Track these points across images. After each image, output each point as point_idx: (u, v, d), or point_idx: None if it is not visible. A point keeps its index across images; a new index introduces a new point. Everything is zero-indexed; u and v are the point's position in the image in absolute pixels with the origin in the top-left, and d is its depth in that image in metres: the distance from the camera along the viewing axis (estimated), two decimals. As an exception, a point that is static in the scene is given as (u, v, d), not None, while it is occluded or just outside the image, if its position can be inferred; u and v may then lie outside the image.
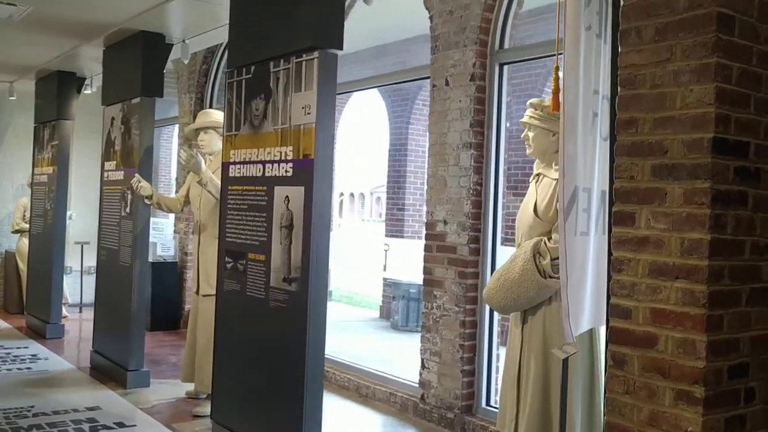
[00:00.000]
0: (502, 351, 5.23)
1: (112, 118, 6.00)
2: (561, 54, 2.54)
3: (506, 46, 4.70)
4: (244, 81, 4.15)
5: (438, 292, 4.85)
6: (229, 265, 4.20)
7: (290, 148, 3.75)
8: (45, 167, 7.70)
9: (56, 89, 7.40)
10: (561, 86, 2.45)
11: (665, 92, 2.24)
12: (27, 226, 8.55)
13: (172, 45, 5.77)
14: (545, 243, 3.22)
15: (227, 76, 4.31)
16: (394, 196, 9.90)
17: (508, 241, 5.25)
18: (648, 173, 2.28)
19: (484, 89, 4.70)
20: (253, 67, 4.08)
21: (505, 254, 4.74)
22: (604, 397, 2.40)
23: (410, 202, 9.80)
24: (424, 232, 5.02)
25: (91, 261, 9.45)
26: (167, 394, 5.38)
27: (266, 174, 3.92)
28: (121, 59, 5.88)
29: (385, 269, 6.26)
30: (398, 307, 9.01)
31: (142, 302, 5.53)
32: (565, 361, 2.92)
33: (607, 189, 2.76)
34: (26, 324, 7.96)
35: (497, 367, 4.75)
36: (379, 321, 9.72)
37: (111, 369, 5.72)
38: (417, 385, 5.03)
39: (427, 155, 5.00)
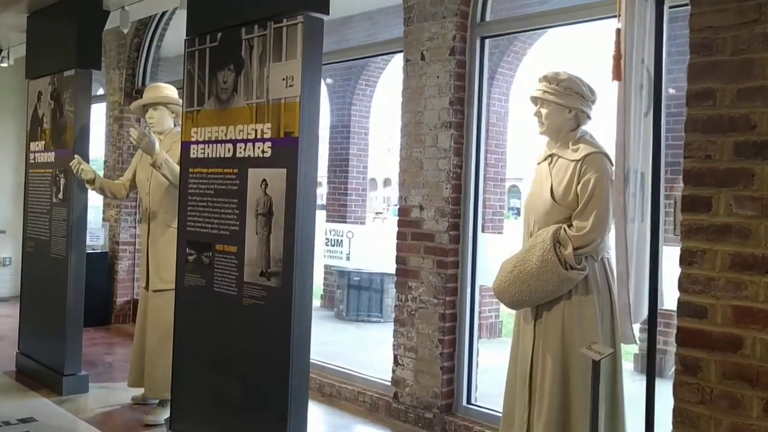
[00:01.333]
0: (483, 345, 4.99)
1: (39, 93, 5.35)
2: (615, 17, 2.22)
3: (488, 18, 4.38)
4: (208, 50, 3.67)
5: (413, 283, 4.50)
6: (191, 258, 3.73)
7: (268, 125, 3.31)
8: (-44, 148, 6.92)
9: (-33, 62, 6.64)
10: (621, 52, 2.12)
11: (752, 58, 1.95)
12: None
13: (109, 12, 5.17)
14: (565, 231, 2.92)
15: (186, 44, 3.81)
16: (336, 180, 9.49)
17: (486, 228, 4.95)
18: (729, 152, 1.99)
19: (465, 64, 4.37)
20: (219, 34, 3.60)
21: (486, 242, 4.46)
22: (673, 406, 2.12)
23: (353, 186, 9.42)
24: (397, 218, 4.66)
25: (5, 252, 8.69)
26: (109, 400, 4.85)
27: (237, 155, 3.47)
28: (49, 27, 5.24)
29: (348, 258, 5.85)
30: (343, 296, 8.64)
31: (78, 298, 4.95)
32: (597, 363, 2.63)
33: (648, 171, 2.47)
34: (-67, 322, 7.18)
35: (477, 363, 4.46)
36: (322, 310, 9.31)
37: (42, 373, 5.12)
38: (389, 383, 4.68)
39: (400, 135, 4.63)
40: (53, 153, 5.13)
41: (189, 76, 3.78)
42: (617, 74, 2.10)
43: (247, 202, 3.40)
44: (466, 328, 4.39)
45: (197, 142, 3.71)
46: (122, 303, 7.45)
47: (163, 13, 7.22)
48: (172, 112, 4.50)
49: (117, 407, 4.72)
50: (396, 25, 4.70)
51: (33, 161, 5.43)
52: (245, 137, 3.43)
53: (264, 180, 3.31)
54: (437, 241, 4.39)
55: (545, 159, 3.14)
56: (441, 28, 4.38)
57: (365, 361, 5.48)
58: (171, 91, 4.52)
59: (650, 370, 2.50)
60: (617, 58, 2.09)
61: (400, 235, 4.60)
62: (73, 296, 4.89)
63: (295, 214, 3.17)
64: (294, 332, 3.18)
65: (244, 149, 3.43)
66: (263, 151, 3.33)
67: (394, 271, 4.64)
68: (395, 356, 4.62)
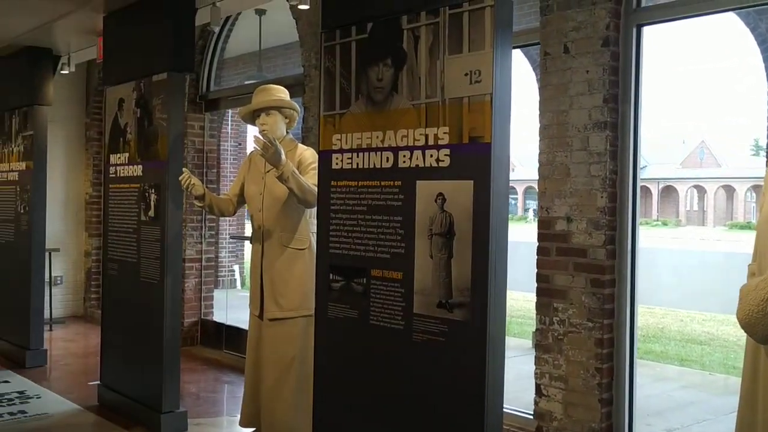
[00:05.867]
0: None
1: (121, 101, 4.87)
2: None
3: (644, 3, 3.87)
4: (354, 43, 3.16)
5: (560, 304, 3.99)
6: (336, 285, 3.22)
7: (444, 129, 2.80)
8: (14, 163, 6.44)
9: (28, 69, 6.16)
10: None
11: None
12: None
13: (197, 10, 4.68)
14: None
15: (323, 38, 3.31)
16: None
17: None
18: None
19: (618, 56, 3.86)
20: (370, 24, 3.10)
21: (643, 256, 3.95)
22: None
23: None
24: (536, 231, 4.15)
25: (57, 270, 8.23)
26: (215, 441, 4.37)
27: (400, 164, 2.96)
28: (133, 28, 4.75)
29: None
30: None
31: (175, 327, 4.45)
32: None
33: None
34: (-7, 350, 6.69)
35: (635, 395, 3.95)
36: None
37: (134, 409, 4.63)
38: (531, 416, 4.17)
39: (538, 139, 4.12)
40: (141, 166, 4.64)
41: (327, 75, 3.28)
42: None
43: (415, 219, 2.89)
44: (626, 354, 3.87)
45: (341, 151, 3.20)
46: (189, 324, 6.96)
47: (229, 13, 6.74)
48: (286, 117, 4.00)
49: (226, 449, 4.23)
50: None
51: (114, 175, 4.93)
52: (411, 144, 2.92)
53: (441, 194, 2.80)
54: (590, 257, 3.88)
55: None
56: (590, 16, 3.87)
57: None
58: (284, 94, 4.03)
59: None
60: None
61: (542, 251, 4.09)
62: (170, 325, 4.40)
63: (488, 234, 2.66)
64: (488, 378, 2.66)
65: (410, 158, 2.92)
66: (438, 160, 2.82)
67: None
68: (538, 386, 4.10)
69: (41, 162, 6.19)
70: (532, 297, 4.23)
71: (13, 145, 6.47)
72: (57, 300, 8.27)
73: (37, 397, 5.18)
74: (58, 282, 8.39)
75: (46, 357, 6.24)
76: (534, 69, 7.52)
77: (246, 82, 7.18)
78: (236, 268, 11.67)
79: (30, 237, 6.15)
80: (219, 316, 7.14)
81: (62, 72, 6.46)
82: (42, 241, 6.22)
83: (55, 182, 7.88)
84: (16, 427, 4.51)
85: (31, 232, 6.14)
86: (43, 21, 5.31)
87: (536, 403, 4.12)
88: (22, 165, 6.30)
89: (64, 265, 8.42)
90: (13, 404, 5.00)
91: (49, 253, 7.70)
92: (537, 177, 4.20)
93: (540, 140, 4.11)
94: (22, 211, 6.28)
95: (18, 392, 5.30)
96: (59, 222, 8.27)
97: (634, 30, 3.85)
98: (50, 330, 7.62)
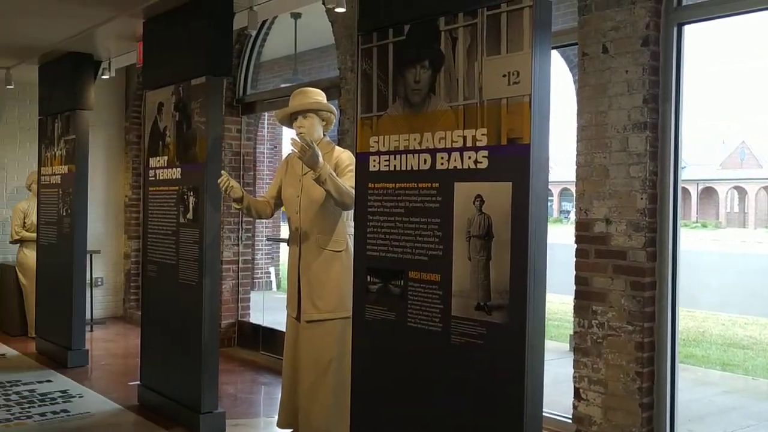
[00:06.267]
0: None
1: (160, 104, 4.93)
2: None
3: (685, 2, 3.81)
4: (391, 45, 3.16)
5: (599, 307, 3.94)
6: (373, 288, 3.23)
7: (482, 130, 2.79)
8: (57, 166, 6.57)
9: (70, 74, 6.27)
10: None
11: None
12: (29, 234, 7.40)
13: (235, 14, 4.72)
14: None
15: (360, 40, 3.32)
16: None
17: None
18: None
19: (658, 56, 3.80)
20: (407, 26, 3.10)
21: (683, 258, 3.88)
22: None
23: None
24: (574, 233, 4.11)
25: (98, 272, 8.37)
26: (253, 441, 4.40)
27: (437, 166, 2.95)
28: (172, 33, 4.82)
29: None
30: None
31: (213, 328, 4.50)
32: None
33: None
34: (36, 349, 6.82)
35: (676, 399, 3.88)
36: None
37: (173, 410, 4.68)
38: (569, 420, 4.13)
39: (576, 140, 4.08)
40: (179, 169, 4.70)
41: (364, 77, 3.29)
42: None
43: (453, 221, 2.89)
44: (667, 358, 3.81)
45: (379, 153, 3.21)
46: (227, 326, 7.02)
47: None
48: (323, 120, 4.02)
49: (264, 450, 4.26)
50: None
51: (153, 178, 5.00)
52: (448, 146, 2.91)
53: (479, 196, 2.79)
54: (630, 259, 3.83)
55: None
56: (630, 15, 3.82)
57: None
58: (321, 97, 4.04)
59: None
60: None
61: (581, 253, 4.05)
62: (208, 326, 4.44)
63: (527, 236, 2.64)
64: (528, 381, 2.64)
65: (448, 160, 2.92)
66: (476, 162, 2.81)
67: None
68: (577, 390, 4.06)
69: (83, 165, 6.30)
70: (568, 299, 4.19)
71: (55, 149, 6.60)
72: (97, 301, 8.41)
73: (80, 397, 5.27)
74: (99, 283, 8.53)
75: (88, 357, 6.35)
76: (570, 69, 7.46)
77: (282, 85, 7.23)
78: (272, 270, 11.76)
79: (72, 239, 6.27)
80: (255, 317, 7.20)
81: (103, 77, 6.58)
82: (83, 243, 6.33)
83: (96, 185, 8.01)
84: (59, 426, 4.59)
85: (73, 234, 6.26)
86: (85, 27, 5.41)
87: (575, 407, 4.07)
88: (65, 168, 6.43)
89: (104, 267, 8.56)
90: (56, 403, 5.09)
91: (90, 255, 7.82)
92: (573, 178, 4.17)
93: (578, 141, 4.07)
94: (64, 214, 6.40)
95: (61, 391, 5.40)
96: (99, 224, 8.41)
97: (675, 29, 3.80)
98: (91, 331, 7.74)
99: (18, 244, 7.58)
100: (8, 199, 8.06)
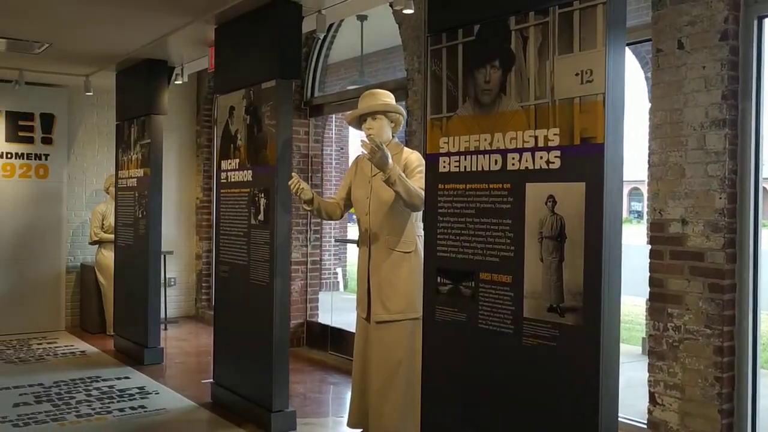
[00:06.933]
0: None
1: (231, 108, 5.04)
2: None
3: (766, -7, 3.68)
4: (460, 46, 3.15)
5: (675, 310, 3.84)
6: (444, 289, 3.22)
7: (555, 130, 2.75)
8: (133, 170, 6.78)
9: (145, 80, 6.47)
10: None
11: None
12: (107, 236, 7.67)
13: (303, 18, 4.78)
14: None
15: (429, 41, 3.32)
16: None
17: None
18: None
19: (738, 51, 3.68)
20: (477, 27, 3.08)
21: (764, 259, 3.74)
22: None
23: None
24: (648, 234, 4.02)
25: (171, 272, 8.60)
26: (324, 440, 4.45)
27: (508, 167, 2.93)
28: (243, 38, 4.91)
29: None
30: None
31: (284, 328, 4.56)
32: None
33: None
34: (114, 347, 7.06)
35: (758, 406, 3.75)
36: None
37: (245, 408, 4.78)
38: (644, 425, 4.03)
39: (649, 138, 3.98)
40: (250, 171, 4.79)
41: (433, 78, 3.28)
42: None
43: (525, 222, 2.86)
44: (748, 363, 3.68)
45: (449, 154, 3.20)
46: (296, 326, 7.11)
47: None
48: (392, 121, 4.04)
49: (334, 449, 4.30)
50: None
51: (225, 180, 5.11)
52: (520, 146, 2.88)
53: (551, 196, 2.76)
54: (709, 261, 3.71)
55: None
56: (707, 9, 3.71)
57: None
58: (390, 98, 4.06)
59: None
60: None
61: (655, 254, 3.95)
62: (279, 326, 4.52)
63: (601, 237, 2.59)
64: (603, 385, 2.59)
65: (519, 160, 2.89)
66: (548, 162, 2.77)
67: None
68: (652, 394, 3.96)
69: (157, 169, 6.48)
70: (639, 301, 4.10)
71: (132, 153, 6.82)
72: (170, 301, 8.65)
73: (156, 393, 5.43)
74: (172, 283, 8.77)
75: (163, 355, 6.53)
76: (642, 66, 7.29)
77: (348, 87, 7.28)
78: (339, 270, 11.86)
79: (147, 240, 6.46)
80: (324, 317, 7.28)
81: (176, 82, 6.75)
82: (158, 244, 6.51)
83: (168, 188, 8.23)
84: (137, 422, 4.74)
85: (148, 235, 6.45)
86: (160, 34, 5.56)
87: (650, 412, 3.97)
88: (140, 172, 6.63)
89: (176, 267, 8.79)
90: (134, 399, 5.25)
91: (164, 256, 8.06)
92: (643, 178, 4.06)
93: (651, 140, 3.97)
94: (140, 216, 6.60)
95: (138, 388, 5.57)
96: (172, 226, 8.64)
97: (756, 22, 3.67)
98: (165, 329, 7.95)
99: (96, 245, 7.86)
100: (87, 201, 8.36)
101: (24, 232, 7.82)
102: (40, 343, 7.26)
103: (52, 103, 7.90)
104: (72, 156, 8.22)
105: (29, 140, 7.81)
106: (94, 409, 4.98)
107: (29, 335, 7.64)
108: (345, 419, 4.27)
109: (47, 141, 7.90)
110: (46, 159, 7.90)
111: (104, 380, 5.78)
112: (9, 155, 7.73)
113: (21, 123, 7.76)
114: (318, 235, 7.41)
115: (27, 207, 7.82)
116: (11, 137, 7.73)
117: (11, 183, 7.75)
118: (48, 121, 7.89)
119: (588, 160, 2.64)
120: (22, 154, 7.78)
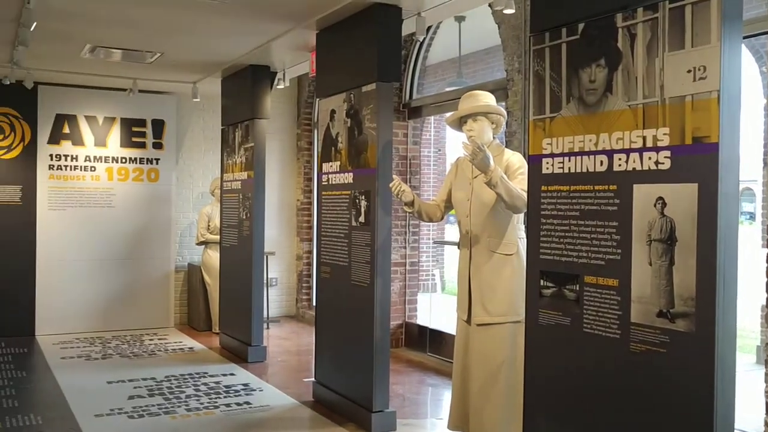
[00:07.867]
0: None
1: (332, 112, 5.13)
2: None
3: None
4: (564, 45, 3.10)
5: (794, 318, 3.64)
6: (547, 292, 3.17)
7: (664, 130, 2.66)
8: (237, 173, 7.01)
9: (249, 86, 6.67)
10: None
11: None
12: (213, 237, 7.96)
13: (402, 20, 4.81)
14: None
15: (532, 41, 3.28)
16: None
17: None
18: None
19: None
20: (581, 25, 3.02)
21: None
22: None
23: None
24: (764, 236, 3.82)
25: (273, 272, 8.82)
26: (424, 441, 4.46)
27: (615, 168, 2.85)
28: (343, 42, 5.00)
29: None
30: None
31: (385, 329, 4.61)
32: None
33: None
34: (220, 344, 7.31)
35: None
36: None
37: (345, 407, 4.85)
38: (760, 438, 3.85)
39: (764, 136, 3.80)
40: (351, 173, 4.86)
41: (537, 78, 3.24)
42: None
43: (632, 225, 2.78)
44: None
45: (552, 155, 3.15)
46: (395, 327, 7.15)
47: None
48: (492, 123, 4.01)
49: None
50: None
51: (326, 183, 5.21)
52: (627, 146, 2.80)
53: (660, 198, 2.67)
54: (832, 266, 3.50)
55: None
56: (830, -1, 3.51)
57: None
58: (491, 99, 4.04)
59: None
60: None
61: (772, 258, 3.76)
62: (379, 327, 4.56)
63: (715, 240, 2.49)
64: (718, 395, 2.49)
65: (626, 161, 2.81)
66: (657, 162, 2.69)
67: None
68: (768, 406, 3.78)
69: (261, 171, 6.67)
70: (752, 308, 3.89)
71: (236, 157, 7.04)
72: (272, 300, 8.87)
73: (260, 390, 5.59)
74: (273, 283, 9.00)
75: (266, 353, 6.71)
76: (757, 60, 6.93)
77: (446, 89, 7.28)
78: (437, 272, 11.85)
79: (251, 241, 6.65)
80: (422, 319, 7.29)
81: (278, 87, 6.92)
82: (261, 245, 6.69)
83: (270, 190, 8.45)
84: (243, 417, 4.89)
85: (251, 236, 6.64)
86: (264, 41, 5.73)
87: (767, 424, 3.78)
88: (244, 174, 6.84)
89: (278, 268, 9.01)
90: (239, 395, 5.43)
91: (266, 257, 8.29)
92: (755, 178, 3.87)
93: (767, 138, 3.79)
94: (244, 218, 6.81)
95: (243, 384, 5.75)
96: (274, 227, 8.87)
97: None
98: (267, 328, 8.15)
99: (203, 246, 8.17)
100: (194, 203, 8.70)
101: (136, 233, 8.21)
102: (152, 339, 7.61)
103: (162, 110, 8.28)
104: (180, 160, 8.58)
105: (141, 145, 8.21)
106: (202, 403, 5.17)
107: (141, 331, 8.02)
108: (444, 421, 4.27)
109: (158, 146, 8.28)
110: (156, 163, 8.28)
111: (211, 376, 6.00)
112: (123, 160, 8.14)
113: (134, 129, 8.17)
114: (416, 237, 7.43)
115: (139, 209, 8.21)
116: (125, 143, 8.14)
117: (125, 186, 8.16)
118: (159, 126, 8.27)
119: (701, 160, 2.54)
120: (135, 158, 8.19)
